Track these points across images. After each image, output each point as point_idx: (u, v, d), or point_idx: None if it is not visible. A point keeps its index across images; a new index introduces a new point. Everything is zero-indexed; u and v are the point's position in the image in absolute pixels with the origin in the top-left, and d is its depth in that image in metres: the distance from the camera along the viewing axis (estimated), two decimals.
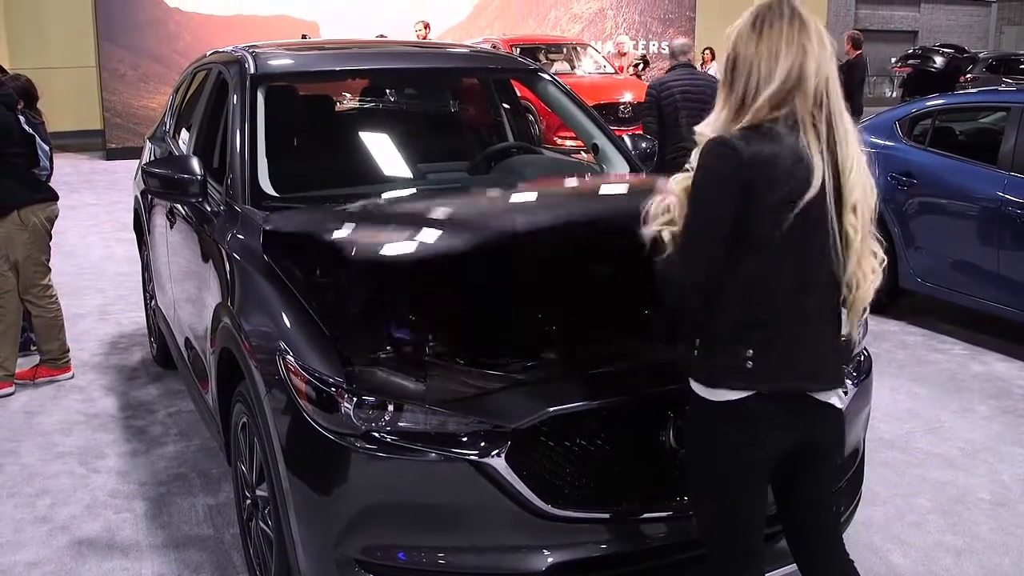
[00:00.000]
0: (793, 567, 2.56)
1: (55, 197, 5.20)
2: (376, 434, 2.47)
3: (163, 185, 3.70)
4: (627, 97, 12.72)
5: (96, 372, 5.51)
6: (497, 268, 3.03)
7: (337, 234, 3.23)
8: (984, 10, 33.17)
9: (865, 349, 3.16)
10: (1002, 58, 19.27)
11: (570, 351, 2.71)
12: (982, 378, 5.45)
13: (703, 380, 2.20)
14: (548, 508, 2.46)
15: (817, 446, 2.30)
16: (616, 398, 2.56)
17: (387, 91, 5.09)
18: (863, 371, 3.09)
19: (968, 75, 17.58)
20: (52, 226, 5.20)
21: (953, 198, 6.01)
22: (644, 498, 2.59)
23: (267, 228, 3.21)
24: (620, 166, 4.15)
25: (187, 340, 4.12)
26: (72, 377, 5.36)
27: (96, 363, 5.66)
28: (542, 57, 14.12)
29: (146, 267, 5.61)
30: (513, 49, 13.10)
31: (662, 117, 6.50)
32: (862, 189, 2.09)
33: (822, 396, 2.23)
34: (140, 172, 4.98)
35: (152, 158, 5.34)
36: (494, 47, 12.39)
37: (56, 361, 5.32)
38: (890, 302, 6.55)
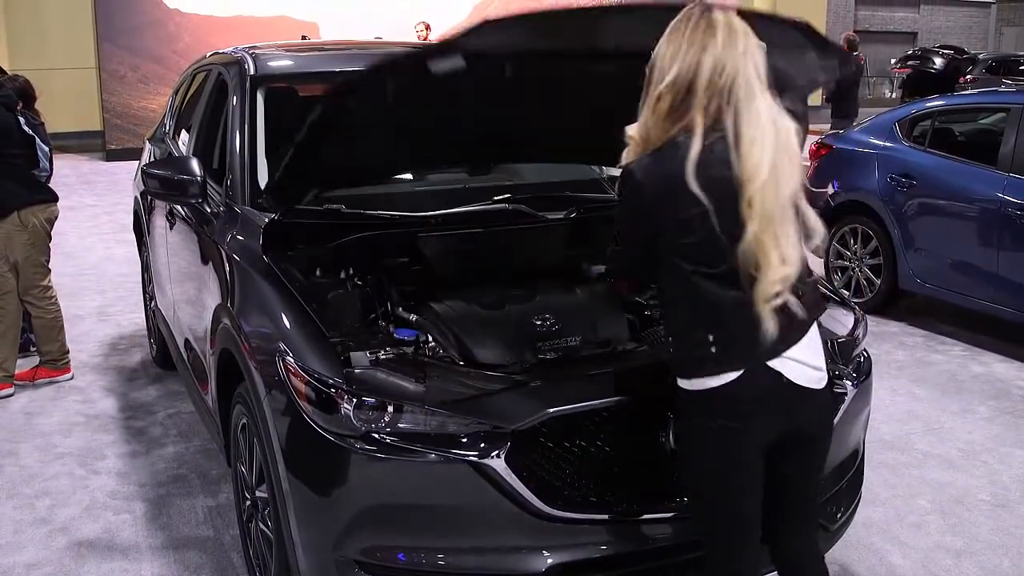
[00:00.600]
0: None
1: (55, 198, 5.20)
2: (376, 435, 2.47)
3: (163, 186, 3.70)
4: None
5: (96, 373, 5.51)
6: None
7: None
8: (983, 11, 33.15)
9: (865, 350, 3.17)
10: (1001, 59, 19.25)
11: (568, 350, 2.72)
12: (982, 379, 5.45)
13: (681, 373, 2.25)
14: (547, 509, 2.47)
15: (803, 433, 2.31)
16: (615, 399, 2.57)
17: None
18: (863, 372, 3.09)
19: (968, 76, 17.58)
20: (52, 227, 5.20)
21: (953, 199, 6.01)
22: (644, 499, 2.60)
23: (267, 229, 3.20)
24: None
25: (187, 341, 4.12)
26: (72, 378, 5.36)
27: (96, 364, 5.66)
28: None
29: (146, 268, 5.61)
30: None
31: None
32: (761, 183, 2.07)
33: (801, 380, 2.23)
34: (140, 173, 4.98)
35: (152, 159, 5.35)
36: None
37: (56, 362, 5.32)
38: (890, 303, 6.56)
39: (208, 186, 3.70)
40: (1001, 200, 5.64)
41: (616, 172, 4.17)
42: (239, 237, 3.35)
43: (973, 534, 3.71)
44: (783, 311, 2.15)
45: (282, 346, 2.69)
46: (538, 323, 2.93)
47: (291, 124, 2.89)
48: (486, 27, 2.51)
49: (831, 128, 10.39)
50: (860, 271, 6.68)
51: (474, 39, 2.52)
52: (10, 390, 5.11)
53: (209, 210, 3.71)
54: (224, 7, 17.00)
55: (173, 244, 4.36)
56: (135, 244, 6.03)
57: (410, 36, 13.68)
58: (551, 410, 2.47)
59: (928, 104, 6.74)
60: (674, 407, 2.38)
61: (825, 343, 2.88)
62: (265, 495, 2.86)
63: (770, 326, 2.14)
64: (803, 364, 2.23)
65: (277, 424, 2.67)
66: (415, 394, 2.49)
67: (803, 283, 2.21)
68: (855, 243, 6.67)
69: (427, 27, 13.77)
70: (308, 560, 2.60)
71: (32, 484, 4.11)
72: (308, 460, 2.61)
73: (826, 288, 3.42)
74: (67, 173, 12.98)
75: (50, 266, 5.27)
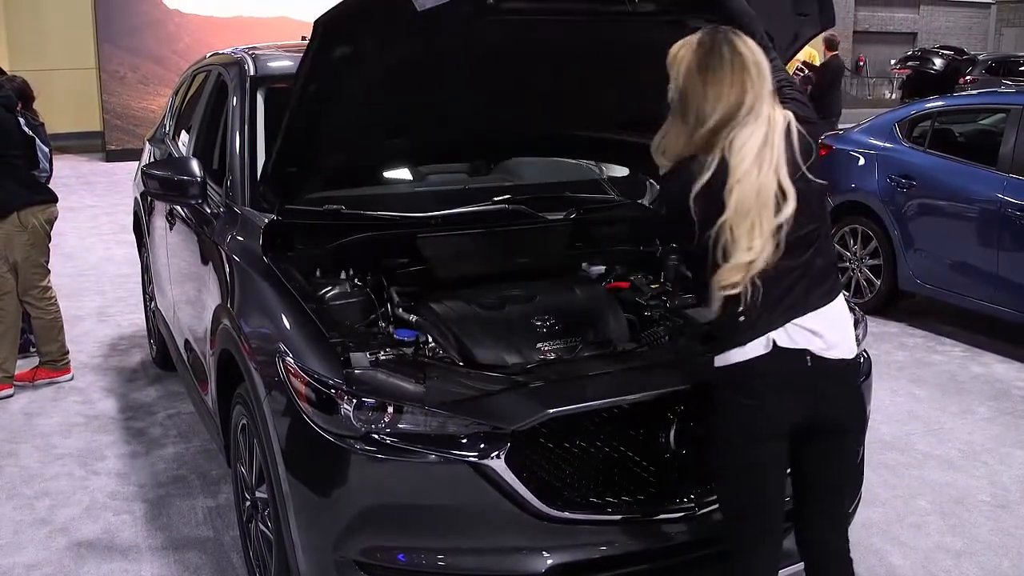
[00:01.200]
0: (800, 566, 2.57)
1: (54, 199, 5.20)
2: (376, 436, 2.47)
3: (163, 187, 3.70)
4: None
5: (96, 374, 5.51)
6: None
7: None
8: (983, 12, 33.16)
9: (864, 351, 3.17)
10: (1001, 60, 19.23)
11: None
12: (981, 380, 5.45)
13: (719, 347, 2.34)
14: (547, 510, 2.47)
15: (831, 419, 2.38)
16: (615, 399, 2.57)
17: None
18: (862, 372, 3.09)
19: (967, 77, 17.58)
20: (51, 228, 5.20)
21: (952, 200, 6.02)
22: (644, 500, 2.60)
23: (267, 229, 3.20)
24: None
25: (187, 342, 4.12)
26: (71, 379, 5.36)
27: (96, 365, 5.66)
28: None
29: (145, 269, 5.61)
30: None
31: None
32: (747, 168, 2.18)
33: (824, 353, 2.30)
34: (140, 174, 4.98)
35: (152, 160, 5.34)
36: None
37: (55, 363, 5.32)
38: (889, 304, 6.56)
39: (208, 187, 3.70)
40: (1001, 201, 5.64)
41: (615, 172, 4.19)
42: (239, 238, 3.35)
43: (973, 535, 3.71)
44: (793, 286, 2.27)
45: (282, 347, 2.69)
46: (538, 324, 2.93)
47: (287, 103, 2.85)
48: None
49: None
50: (860, 272, 6.68)
51: None
52: (10, 391, 5.11)
53: (209, 211, 3.71)
54: (224, 8, 16.99)
55: (173, 245, 4.36)
56: (135, 245, 6.03)
57: None
58: (551, 411, 2.47)
59: (928, 105, 6.74)
60: (684, 410, 2.47)
61: None
62: (265, 496, 2.86)
63: (778, 300, 2.26)
64: (819, 337, 2.31)
65: (277, 425, 2.67)
66: (415, 395, 2.49)
67: (828, 255, 2.34)
68: (855, 244, 6.67)
69: None
70: (308, 561, 2.60)
71: (32, 485, 4.11)
72: (308, 461, 2.61)
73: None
74: (67, 174, 12.97)
75: (50, 267, 5.28)
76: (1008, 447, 4.51)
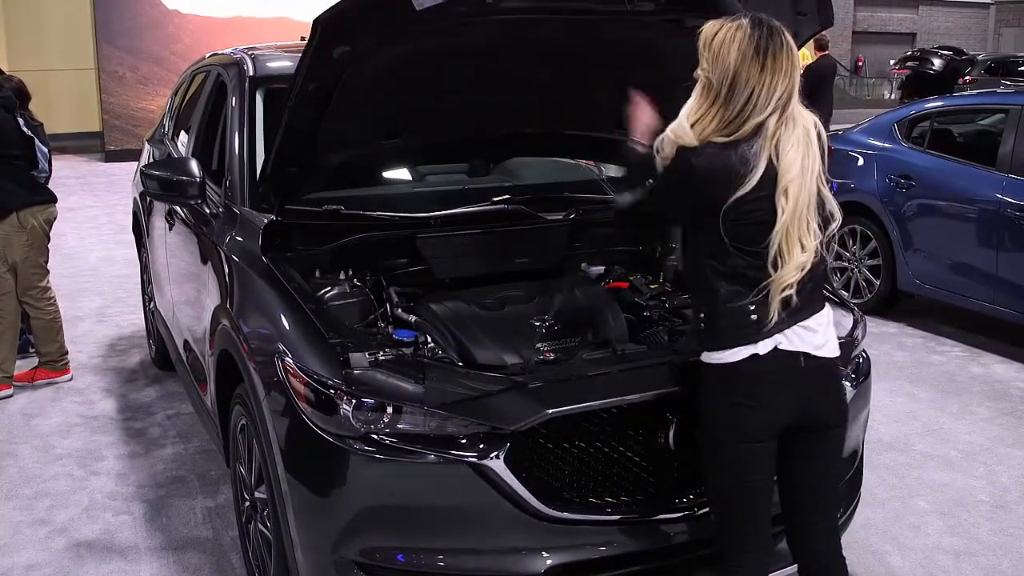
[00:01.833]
0: (793, 568, 2.58)
1: (54, 199, 5.20)
2: (375, 436, 2.46)
3: (162, 187, 3.69)
4: None
5: (95, 374, 5.50)
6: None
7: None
8: (982, 12, 33.19)
9: (864, 351, 3.17)
10: (1000, 60, 19.26)
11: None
12: (981, 380, 5.45)
13: (712, 345, 2.37)
14: (547, 510, 2.47)
15: (818, 419, 2.41)
16: (615, 400, 2.57)
17: None
18: (862, 373, 3.09)
19: (966, 77, 17.59)
20: (51, 228, 5.20)
21: (952, 200, 6.01)
22: (643, 500, 2.60)
23: (266, 229, 3.20)
24: None
25: (186, 342, 4.12)
26: (71, 379, 5.35)
27: (95, 365, 5.66)
28: None
29: (145, 269, 5.61)
30: None
31: None
32: (795, 172, 2.25)
33: (816, 352, 2.36)
34: (139, 174, 4.97)
35: (151, 160, 5.34)
36: None
37: (55, 363, 5.32)
38: (889, 304, 6.56)
39: (207, 187, 3.70)
40: (1000, 201, 5.64)
41: (614, 172, 4.19)
42: (238, 238, 3.34)
43: (972, 535, 3.71)
44: (801, 290, 2.31)
45: (281, 347, 2.69)
46: (537, 324, 2.93)
47: (286, 102, 2.85)
48: None
49: None
50: (859, 272, 6.68)
51: None
52: (9, 391, 5.10)
53: (208, 211, 3.71)
54: (223, 8, 16.99)
55: (172, 245, 4.36)
56: (134, 245, 6.02)
57: None
58: (550, 411, 2.47)
59: (927, 105, 6.74)
60: (682, 410, 2.47)
61: None
62: (264, 496, 2.86)
63: (770, 318, 2.30)
64: (814, 333, 2.36)
65: (276, 425, 2.67)
66: (414, 395, 2.49)
67: (816, 269, 2.37)
68: (854, 244, 6.67)
69: None
70: (307, 561, 2.60)
71: (31, 485, 4.11)
72: (307, 461, 2.61)
73: (826, 289, 3.42)
74: (66, 174, 12.98)
75: (49, 267, 5.27)
76: (1007, 447, 4.51)
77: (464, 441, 2.46)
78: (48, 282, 5.26)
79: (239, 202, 3.51)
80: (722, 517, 2.48)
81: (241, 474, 3.15)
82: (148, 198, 4.94)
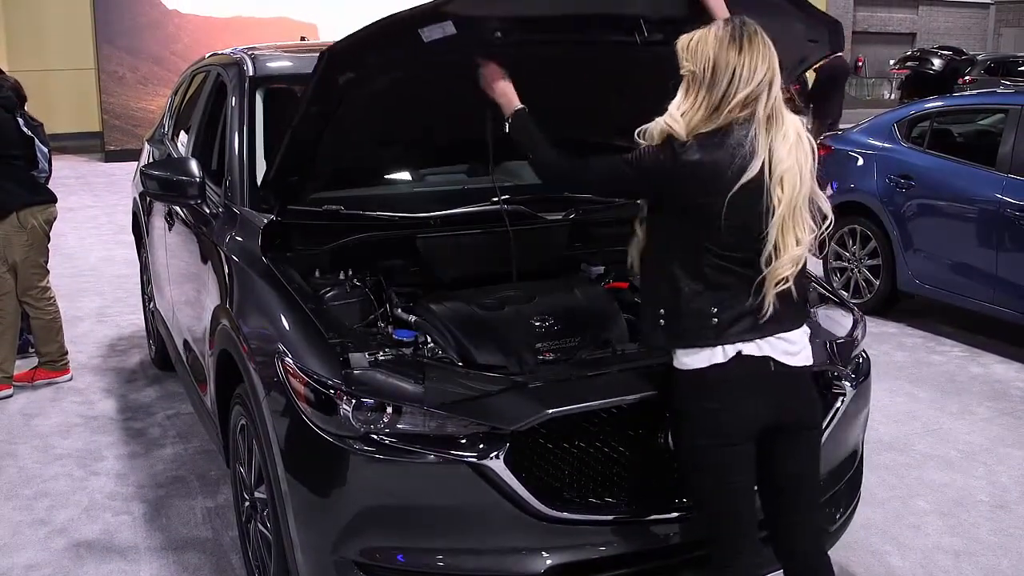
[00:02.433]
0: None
1: (54, 199, 5.20)
2: (375, 436, 2.46)
3: (161, 187, 3.69)
4: None
5: (95, 374, 5.50)
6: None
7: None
8: (982, 12, 33.18)
9: (864, 351, 3.17)
10: (1000, 60, 19.27)
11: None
12: (981, 380, 5.45)
13: (671, 343, 2.41)
14: (546, 510, 2.47)
15: (791, 422, 2.44)
16: (614, 400, 2.57)
17: None
18: (861, 373, 3.09)
19: (966, 77, 17.60)
20: (51, 228, 5.20)
21: (951, 200, 6.01)
22: (643, 500, 2.60)
23: (265, 230, 3.20)
24: None
25: (186, 342, 4.12)
26: (71, 379, 5.35)
27: (95, 365, 5.66)
28: None
29: (144, 269, 5.61)
30: None
31: None
32: (790, 163, 2.31)
33: (785, 359, 2.38)
34: (139, 174, 4.97)
35: (151, 160, 5.34)
36: None
37: (54, 363, 5.32)
38: (888, 304, 6.56)
39: (207, 187, 3.69)
40: (1000, 201, 5.64)
41: None
42: (238, 238, 3.34)
43: (972, 535, 3.71)
44: (783, 297, 2.34)
45: (281, 347, 2.69)
46: (537, 324, 2.93)
47: (289, 119, 2.88)
48: None
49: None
50: (859, 272, 6.68)
51: (465, 3, 2.50)
52: (9, 391, 5.10)
53: (208, 211, 3.71)
54: (223, 8, 16.99)
55: (172, 245, 4.36)
56: (134, 245, 6.02)
57: None
58: (550, 411, 2.47)
59: (927, 105, 6.74)
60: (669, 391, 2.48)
61: (824, 344, 2.91)
62: (264, 496, 2.86)
63: (770, 307, 2.32)
64: (789, 343, 2.40)
65: (276, 425, 2.67)
66: (414, 395, 2.49)
67: (804, 276, 2.41)
68: (854, 244, 6.67)
69: None
70: (307, 561, 2.60)
71: (31, 485, 4.11)
72: (307, 461, 2.61)
73: (825, 289, 3.42)
74: (66, 174, 12.98)
75: (49, 267, 5.27)
76: (1007, 447, 4.51)
77: (464, 441, 2.46)
78: (48, 282, 5.26)
79: (239, 202, 3.51)
80: (708, 520, 2.49)
81: (241, 474, 3.15)
82: (148, 198, 4.93)
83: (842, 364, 2.95)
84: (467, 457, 2.43)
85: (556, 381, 2.62)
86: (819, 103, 11.31)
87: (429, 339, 2.85)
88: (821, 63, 11.96)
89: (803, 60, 3.19)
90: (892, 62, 24.00)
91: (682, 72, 2.36)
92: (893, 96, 25.11)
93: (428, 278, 3.21)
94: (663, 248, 2.42)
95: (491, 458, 2.42)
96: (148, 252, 5.31)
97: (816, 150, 2.40)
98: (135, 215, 5.75)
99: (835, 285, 6.73)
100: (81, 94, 16.10)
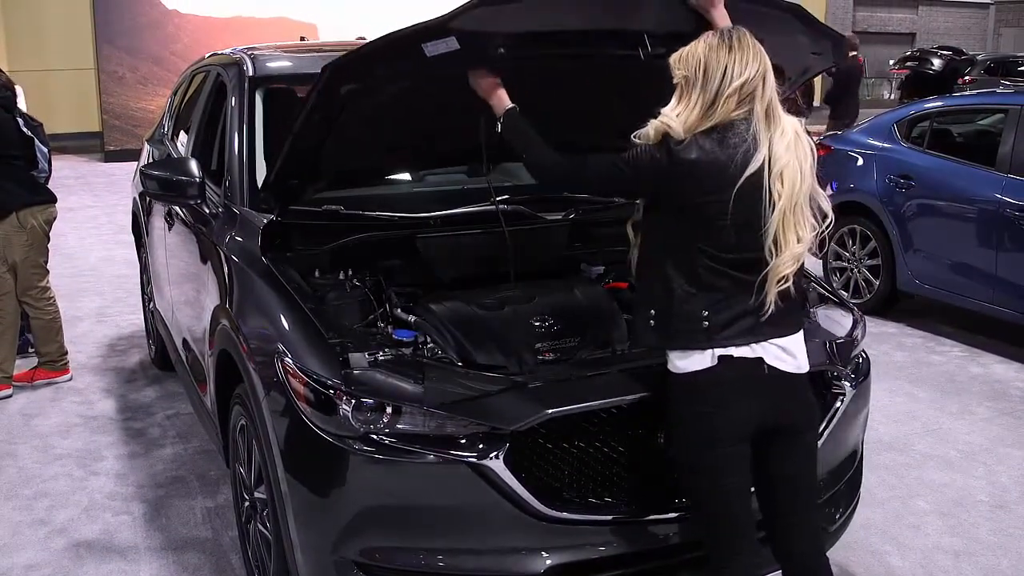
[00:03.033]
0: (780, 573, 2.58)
1: (53, 199, 5.20)
2: (374, 436, 2.46)
3: (161, 187, 3.69)
4: None
5: (94, 374, 5.50)
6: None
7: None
8: (982, 12, 33.18)
9: (863, 351, 3.17)
10: (1000, 60, 19.25)
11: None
12: (980, 380, 5.45)
13: (662, 343, 2.43)
14: (546, 510, 2.47)
15: (787, 425, 2.44)
16: (614, 400, 2.57)
17: None
18: (861, 373, 3.09)
19: (966, 77, 17.59)
20: (50, 228, 5.20)
21: (951, 200, 6.02)
22: (642, 500, 2.60)
23: (265, 230, 3.20)
24: None
25: (185, 342, 4.12)
26: (70, 379, 5.35)
27: (94, 365, 5.66)
28: None
29: (144, 269, 5.61)
30: None
31: None
32: (789, 159, 2.32)
33: (779, 364, 2.38)
34: (138, 174, 4.98)
35: (150, 160, 5.34)
36: None
37: (54, 363, 5.32)
38: (888, 304, 6.56)
39: (207, 187, 3.69)
40: (999, 201, 5.64)
41: None
42: (238, 238, 3.34)
43: (972, 535, 3.71)
44: (781, 299, 2.34)
45: (281, 347, 2.69)
46: (537, 324, 2.93)
47: (290, 125, 2.89)
48: (482, 6, 2.49)
49: (828, 129, 10.34)
50: (859, 272, 6.68)
51: (469, 20, 2.50)
52: (9, 391, 5.10)
53: (208, 211, 3.71)
54: (223, 8, 16.99)
55: (172, 245, 4.36)
56: (134, 245, 6.03)
57: None
58: (550, 411, 2.47)
59: (927, 105, 6.74)
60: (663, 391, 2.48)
61: (823, 344, 2.91)
62: (264, 496, 2.86)
63: (771, 306, 2.33)
64: (784, 351, 2.39)
65: (276, 425, 2.67)
66: (414, 395, 2.49)
67: (802, 278, 2.44)
68: (853, 244, 6.67)
69: None
70: (307, 561, 2.60)
71: (31, 485, 4.11)
72: (307, 461, 2.61)
73: (825, 289, 3.42)
74: (66, 174, 12.98)
75: (48, 267, 5.27)
76: (1007, 447, 4.52)
77: (464, 441, 2.46)
78: (48, 282, 5.26)
79: (239, 202, 3.51)
80: (704, 521, 2.49)
81: (241, 474, 3.15)
82: (148, 198, 4.94)
83: (842, 364, 2.96)
84: (467, 457, 2.43)
85: (556, 381, 2.62)
86: (837, 104, 11.32)
87: (429, 339, 2.85)
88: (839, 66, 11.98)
89: (806, 71, 3.22)
90: (892, 62, 23.98)
91: (674, 81, 2.38)
92: (893, 96, 25.10)
93: (428, 278, 3.21)
94: (658, 248, 2.43)
95: (491, 458, 2.43)
96: (148, 252, 5.31)
97: (815, 149, 2.41)
98: (135, 215, 5.75)
99: (835, 285, 6.73)
100: (81, 94, 16.11)
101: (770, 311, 2.34)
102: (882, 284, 6.50)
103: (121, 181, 11.78)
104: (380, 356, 2.58)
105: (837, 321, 3.13)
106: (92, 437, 4.61)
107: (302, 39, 5.87)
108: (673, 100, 2.38)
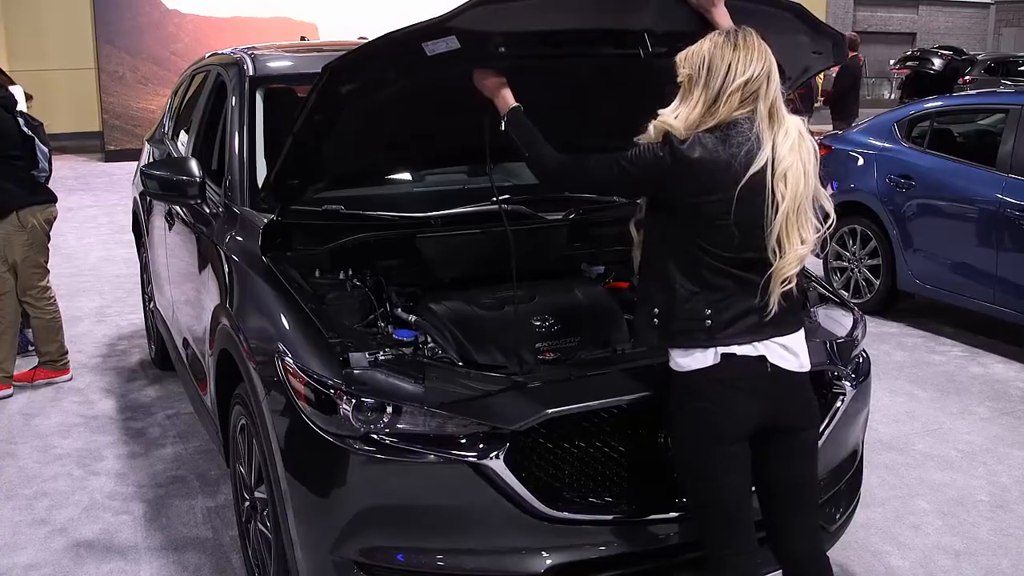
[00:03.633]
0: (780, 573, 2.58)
1: (54, 199, 5.20)
2: (375, 436, 2.47)
3: (161, 187, 3.69)
4: None
5: (94, 374, 5.50)
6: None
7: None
8: (982, 12, 33.16)
9: (864, 351, 3.17)
10: (1000, 60, 19.24)
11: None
12: (981, 380, 5.45)
13: (664, 342, 2.42)
14: (546, 510, 2.47)
15: (786, 423, 2.44)
16: (614, 400, 2.57)
17: None
18: (861, 373, 3.09)
19: (966, 77, 17.58)
20: (51, 228, 5.20)
21: (952, 200, 6.02)
22: (643, 500, 2.60)
23: (265, 229, 3.20)
24: None
25: (185, 342, 4.12)
26: (70, 379, 5.35)
27: (94, 365, 5.66)
28: None
29: (144, 269, 5.61)
30: None
31: None
32: (792, 160, 2.32)
33: (782, 363, 2.38)
34: (139, 174, 4.98)
35: (151, 160, 5.34)
36: None
37: (54, 363, 5.32)
38: (889, 304, 6.56)
39: (207, 187, 3.70)
40: (1000, 201, 5.64)
41: None
42: (238, 238, 3.34)
43: (972, 535, 3.71)
44: (782, 299, 2.34)
45: (281, 347, 2.69)
46: (537, 324, 2.93)
47: (290, 125, 2.89)
48: (482, 5, 2.49)
49: (834, 129, 10.34)
50: (859, 272, 6.68)
51: (469, 19, 2.50)
52: (9, 391, 5.10)
53: (208, 211, 3.71)
54: (223, 8, 16.99)
55: (172, 245, 4.36)
56: (134, 245, 6.03)
57: None
58: (550, 411, 2.47)
59: (927, 105, 6.74)
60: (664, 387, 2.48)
61: (824, 343, 2.91)
62: (264, 496, 2.86)
63: (774, 307, 2.33)
64: (787, 349, 2.39)
65: (276, 425, 2.67)
66: (414, 395, 2.49)
67: (803, 278, 2.43)
68: (854, 244, 6.67)
69: None
70: (307, 560, 2.60)
71: (31, 485, 4.11)
72: (307, 461, 2.61)
73: (825, 289, 3.42)
74: (66, 174, 12.98)
75: (49, 267, 5.27)
76: (1007, 447, 4.51)
77: (464, 441, 2.46)
78: (48, 282, 5.26)
79: (239, 202, 3.51)
80: (703, 520, 2.49)
81: (241, 474, 3.15)
82: (148, 198, 4.93)
83: (842, 364, 2.96)
84: (467, 457, 2.43)
85: (556, 381, 2.62)
86: (838, 103, 11.31)
87: (429, 339, 2.85)
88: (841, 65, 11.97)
89: (806, 70, 3.22)
90: (892, 62, 23.97)
91: (679, 80, 2.38)
92: (893, 96, 25.09)
93: (428, 278, 3.21)
94: (661, 247, 2.43)
95: (491, 458, 2.43)
96: (148, 252, 5.31)
97: (818, 149, 2.41)
98: (135, 215, 5.75)
99: (835, 285, 6.72)
100: (81, 94, 16.11)
101: (773, 311, 2.34)
102: (882, 284, 6.50)
103: (121, 181, 11.79)
104: (380, 356, 2.58)
105: (837, 321, 3.13)
106: (92, 437, 4.61)
107: (302, 39, 5.86)
108: (676, 99, 2.38)
